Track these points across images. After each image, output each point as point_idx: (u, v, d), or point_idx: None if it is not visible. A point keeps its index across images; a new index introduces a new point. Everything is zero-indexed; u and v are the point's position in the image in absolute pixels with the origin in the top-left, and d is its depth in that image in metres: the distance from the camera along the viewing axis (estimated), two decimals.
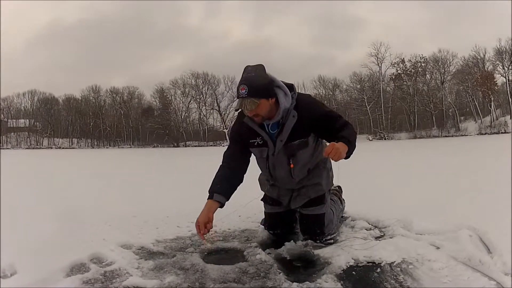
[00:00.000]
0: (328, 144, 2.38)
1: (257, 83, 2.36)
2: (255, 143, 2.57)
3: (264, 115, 2.43)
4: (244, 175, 2.66)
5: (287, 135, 2.48)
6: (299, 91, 2.63)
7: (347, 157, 2.32)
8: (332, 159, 2.26)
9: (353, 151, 2.37)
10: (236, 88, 2.44)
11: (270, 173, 2.65)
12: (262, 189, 2.89)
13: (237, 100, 2.40)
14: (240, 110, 2.45)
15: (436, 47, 73.23)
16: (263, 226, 2.91)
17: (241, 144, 2.63)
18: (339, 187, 3.20)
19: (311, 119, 2.47)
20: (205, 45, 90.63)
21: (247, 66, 2.44)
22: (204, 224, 2.40)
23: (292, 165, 2.54)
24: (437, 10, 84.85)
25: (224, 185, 2.52)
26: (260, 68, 2.44)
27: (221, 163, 2.63)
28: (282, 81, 2.54)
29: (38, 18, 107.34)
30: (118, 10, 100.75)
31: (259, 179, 2.90)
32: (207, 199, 2.49)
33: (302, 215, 2.71)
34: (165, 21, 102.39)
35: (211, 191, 2.50)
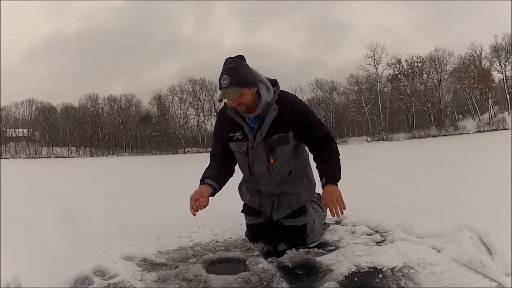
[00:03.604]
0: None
1: (239, 73, 2.41)
2: (234, 137, 2.61)
3: (247, 104, 2.46)
4: (234, 168, 2.73)
5: (267, 128, 2.50)
6: (296, 95, 2.68)
7: None
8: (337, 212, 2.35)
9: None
10: (218, 80, 2.45)
11: (250, 170, 2.64)
12: (242, 199, 2.89)
13: (220, 91, 2.44)
14: (223, 100, 2.49)
15: (432, 46, 73.24)
16: (247, 238, 2.93)
17: (223, 140, 2.68)
18: (319, 194, 3.18)
19: (291, 114, 2.50)
20: (200, 53, 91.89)
21: (228, 58, 2.48)
22: (195, 199, 2.42)
23: (272, 160, 2.55)
24: (429, 10, 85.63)
25: (214, 172, 2.59)
26: (240, 58, 2.48)
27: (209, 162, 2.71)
28: (266, 77, 2.58)
29: (38, 29, 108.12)
30: (115, 21, 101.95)
31: (239, 189, 2.90)
32: (199, 186, 2.53)
33: (284, 226, 2.72)
34: (160, 31, 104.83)
35: (202, 178, 2.56)
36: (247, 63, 2.50)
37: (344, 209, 2.35)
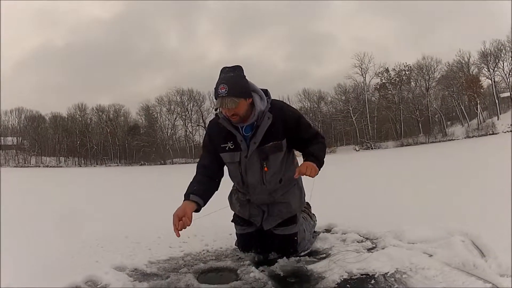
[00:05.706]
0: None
1: (237, 83, 2.40)
2: (226, 148, 2.58)
3: (241, 115, 2.45)
4: (220, 183, 2.65)
5: (261, 137, 2.49)
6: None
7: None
8: (309, 176, 2.37)
9: (321, 167, 2.50)
10: (214, 89, 2.42)
11: (242, 179, 2.62)
12: (232, 209, 2.86)
13: (216, 100, 2.41)
14: (218, 110, 2.49)
15: (420, 55, 73.69)
16: (237, 247, 2.90)
17: (213, 152, 2.63)
18: (307, 203, 3.17)
19: (284, 121, 2.51)
20: (185, 66, 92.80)
21: (225, 67, 2.47)
22: (179, 217, 2.28)
23: (266, 168, 2.53)
24: (412, 19, 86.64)
25: (199, 188, 2.48)
26: (238, 68, 2.48)
27: (195, 173, 2.61)
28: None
29: (27, 42, 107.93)
30: (102, 34, 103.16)
31: (229, 199, 2.87)
32: (183, 201, 2.42)
33: (275, 235, 2.70)
34: (145, 45, 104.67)
35: (187, 193, 2.44)
36: (244, 73, 2.50)
37: (312, 175, 2.39)
